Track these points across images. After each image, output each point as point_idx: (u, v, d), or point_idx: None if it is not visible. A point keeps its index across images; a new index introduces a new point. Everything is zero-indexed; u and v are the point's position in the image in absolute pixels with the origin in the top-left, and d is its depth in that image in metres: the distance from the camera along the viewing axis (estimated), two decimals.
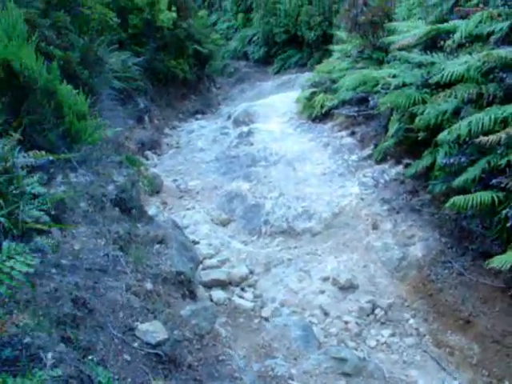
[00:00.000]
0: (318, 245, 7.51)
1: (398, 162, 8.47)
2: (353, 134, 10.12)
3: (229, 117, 13.88)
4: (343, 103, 10.76)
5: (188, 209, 8.92)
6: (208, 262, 6.96)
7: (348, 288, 6.52)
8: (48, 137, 5.79)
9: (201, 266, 6.75)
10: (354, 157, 9.37)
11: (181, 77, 16.40)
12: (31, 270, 2.89)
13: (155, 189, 9.34)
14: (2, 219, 3.64)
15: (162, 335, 4.04)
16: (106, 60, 12.83)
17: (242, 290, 6.59)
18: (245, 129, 11.73)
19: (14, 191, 4.04)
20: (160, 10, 15.70)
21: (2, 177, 3.92)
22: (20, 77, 5.61)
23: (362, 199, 8.00)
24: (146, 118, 13.59)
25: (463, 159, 6.22)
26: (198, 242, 7.45)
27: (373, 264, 6.88)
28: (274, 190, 8.81)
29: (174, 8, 16.14)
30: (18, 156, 4.42)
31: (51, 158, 4.83)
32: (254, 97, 16.99)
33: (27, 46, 5.66)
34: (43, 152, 4.67)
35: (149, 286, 4.70)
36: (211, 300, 6.05)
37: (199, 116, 16.22)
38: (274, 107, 13.42)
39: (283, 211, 8.16)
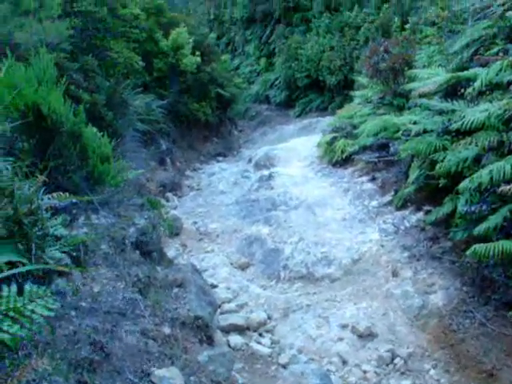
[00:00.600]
0: (337, 291, 7.44)
1: (419, 209, 8.42)
2: (373, 179, 10.12)
3: (250, 160, 14.01)
4: (364, 149, 10.82)
5: (207, 251, 8.94)
6: (226, 307, 6.92)
7: (367, 336, 6.42)
8: (72, 178, 5.89)
9: (219, 311, 6.71)
10: (374, 203, 9.36)
11: (203, 119, 16.69)
12: (52, 314, 2.91)
13: (175, 231, 9.39)
14: (25, 261, 3.68)
15: (179, 382, 4.00)
16: (130, 102, 13.15)
17: (260, 335, 6.52)
18: (265, 172, 11.82)
19: (38, 233, 4.10)
20: (184, 55, 16.09)
21: (27, 219, 3.99)
22: (48, 120, 5.76)
23: (382, 246, 7.95)
24: (168, 160, 13.77)
25: (484, 207, 6.17)
26: (216, 286, 7.43)
27: (392, 312, 6.77)
28: (293, 234, 8.81)
29: (197, 52, 16.53)
30: (43, 198, 4.51)
31: (74, 200, 4.91)
32: (276, 140, 17.16)
33: (56, 90, 5.83)
34: (67, 194, 4.76)
35: (167, 330, 4.68)
36: (229, 345, 5.99)
37: (220, 158, 16.41)
38: (295, 151, 13.52)
39: (303, 256, 8.13)
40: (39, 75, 5.98)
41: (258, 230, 9.20)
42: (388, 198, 9.26)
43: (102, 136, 6.45)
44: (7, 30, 9.67)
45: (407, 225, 8.26)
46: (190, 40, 16.34)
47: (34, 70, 5.95)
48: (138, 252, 5.76)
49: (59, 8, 12.27)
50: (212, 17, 38.99)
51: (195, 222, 10.10)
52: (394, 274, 7.34)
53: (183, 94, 16.46)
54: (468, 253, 5.93)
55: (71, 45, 11.05)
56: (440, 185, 7.41)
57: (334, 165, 11.66)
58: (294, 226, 9.10)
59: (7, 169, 4.59)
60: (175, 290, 5.57)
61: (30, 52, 6.97)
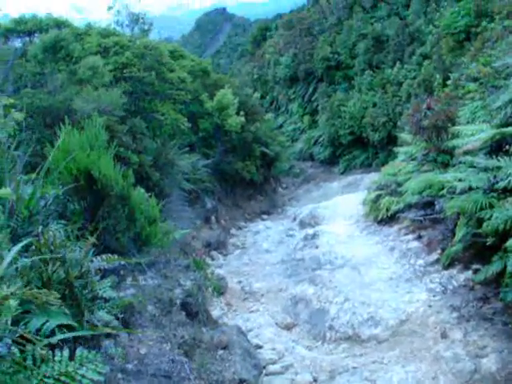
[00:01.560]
0: (384, 353, 7.27)
1: (467, 268, 8.24)
2: (419, 237, 9.99)
3: (294, 218, 14.07)
4: (409, 206, 10.73)
5: (252, 311, 8.91)
6: (271, 368, 6.84)
7: None
8: (120, 240, 6.07)
9: (264, 372, 6.64)
10: (420, 261, 9.21)
11: (248, 178, 16.94)
12: (102, 379, 2.98)
13: (220, 290, 9.43)
14: (75, 324, 3.79)
15: None
16: (176, 162, 13.52)
17: None
18: (310, 231, 11.83)
19: (88, 295, 4.22)
20: (229, 115, 16.51)
21: (77, 282, 4.12)
22: (98, 183, 5.99)
23: (430, 306, 7.77)
24: (213, 218, 13.97)
25: None
26: (261, 347, 7.37)
27: (443, 376, 6.55)
28: (339, 294, 8.71)
29: (242, 112, 16.94)
30: (93, 259, 4.66)
31: (122, 262, 5.05)
32: (320, 197, 17.21)
33: (106, 155, 6.09)
34: (115, 256, 4.90)
35: None
36: None
37: (265, 216, 16.52)
38: (339, 209, 13.52)
39: (348, 317, 8.02)
40: (91, 140, 6.27)
41: (303, 289, 9.15)
42: (435, 256, 9.10)
43: (150, 197, 6.65)
44: (65, 97, 10.22)
45: (455, 284, 8.07)
46: (235, 100, 16.80)
47: (87, 135, 6.26)
48: (183, 313, 5.82)
49: (111, 75, 12.92)
50: (256, 76, 40.10)
51: (240, 281, 10.13)
52: (443, 335, 7.14)
53: (228, 153, 16.82)
54: None
55: (121, 108, 11.55)
56: (488, 243, 7.25)
57: (379, 223, 11.58)
58: (340, 286, 9.01)
59: (60, 232, 4.77)
60: (220, 351, 5.57)
61: (84, 118, 7.35)
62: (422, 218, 10.19)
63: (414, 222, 10.49)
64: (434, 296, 8.00)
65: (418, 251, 9.60)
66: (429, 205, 10.09)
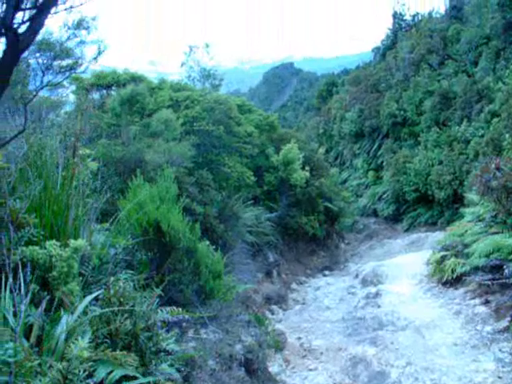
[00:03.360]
0: None
1: None
2: (486, 302, 9.64)
3: (356, 275, 13.89)
4: (476, 269, 10.41)
5: (310, 369, 8.77)
6: None
7: None
8: (184, 292, 6.21)
9: None
10: (488, 328, 8.86)
11: (310, 233, 16.94)
12: None
13: (279, 346, 9.36)
14: (139, 375, 3.89)
15: None
16: (240, 215, 13.72)
17: None
18: (372, 289, 11.65)
19: (152, 348, 4.33)
20: (294, 169, 16.70)
21: (144, 333, 4.24)
22: (167, 236, 6.19)
23: (500, 377, 7.40)
24: (275, 272, 13.99)
25: None
26: None
27: None
28: (400, 357, 8.47)
29: (307, 167, 17.10)
30: (157, 311, 4.79)
31: (186, 316, 5.16)
32: (383, 255, 16.94)
33: (175, 208, 6.30)
34: (179, 309, 5.02)
35: None
36: None
37: (326, 272, 16.39)
38: (403, 268, 13.26)
39: (410, 382, 7.76)
40: (162, 193, 6.53)
41: (364, 350, 8.95)
42: (504, 323, 8.74)
43: (215, 250, 6.79)
44: (137, 148, 10.70)
45: None
46: (301, 155, 16.99)
47: (158, 188, 6.52)
48: (243, 369, 5.83)
49: (181, 128, 13.46)
50: (321, 131, 40.52)
51: (299, 338, 10.03)
52: None
53: (292, 207, 16.92)
54: None
55: (190, 160, 11.96)
56: None
57: (444, 284, 11.27)
58: (402, 349, 8.77)
59: (129, 283, 4.94)
60: None
61: (156, 170, 7.65)
62: (489, 282, 9.85)
63: (481, 286, 10.15)
64: (503, 367, 7.63)
65: (485, 317, 9.25)
66: (497, 269, 9.76)
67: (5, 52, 3.24)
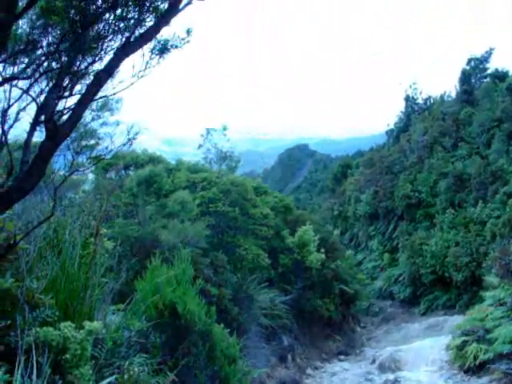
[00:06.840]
0: None
1: None
2: None
3: (373, 361, 13.46)
4: (500, 356, 10.05)
5: None
6: None
7: None
8: (198, 377, 6.02)
9: None
10: None
11: (326, 316, 16.60)
12: None
13: None
14: None
15: None
16: (255, 297, 13.53)
17: None
18: (391, 376, 11.25)
19: None
20: (309, 252, 16.60)
21: None
22: (182, 319, 6.08)
23: None
24: (289, 357, 13.62)
25: None
26: None
27: None
28: None
29: (322, 249, 17.00)
30: None
31: None
32: (400, 339, 16.48)
33: (191, 291, 6.23)
34: None
35: None
36: None
37: (342, 357, 15.91)
38: (421, 353, 12.84)
39: None
40: (178, 275, 6.47)
41: None
42: None
43: (230, 333, 6.64)
44: (153, 228, 10.76)
45: None
46: (316, 237, 16.94)
47: (175, 270, 6.47)
48: None
49: (198, 209, 13.57)
50: (336, 212, 40.51)
51: None
52: None
53: (307, 290, 16.68)
54: None
55: (205, 241, 11.97)
56: None
57: (466, 372, 10.86)
58: None
59: (141, 364, 4.81)
60: None
61: (171, 250, 7.63)
62: None
63: (507, 376, 9.74)
64: None
65: None
66: None
67: (42, 143, 3.25)
